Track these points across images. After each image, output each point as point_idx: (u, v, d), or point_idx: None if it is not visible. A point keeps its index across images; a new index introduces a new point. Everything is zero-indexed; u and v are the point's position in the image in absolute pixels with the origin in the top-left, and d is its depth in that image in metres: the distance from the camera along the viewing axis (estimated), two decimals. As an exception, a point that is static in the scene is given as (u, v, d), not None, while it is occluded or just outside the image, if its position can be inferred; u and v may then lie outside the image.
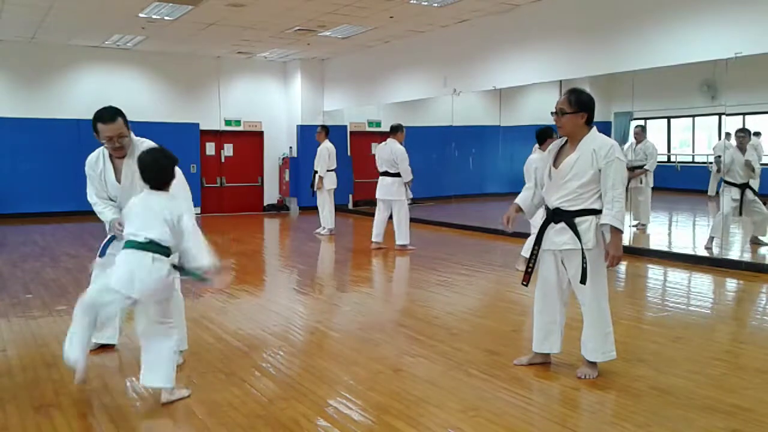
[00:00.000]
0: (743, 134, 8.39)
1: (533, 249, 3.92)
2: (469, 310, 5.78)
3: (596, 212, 3.71)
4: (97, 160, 4.06)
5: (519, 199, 4.12)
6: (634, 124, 14.13)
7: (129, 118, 4.01)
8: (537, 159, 7.15)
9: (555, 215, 3.82)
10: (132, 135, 4.00)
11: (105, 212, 4.08)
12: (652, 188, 10.46)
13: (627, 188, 10.06)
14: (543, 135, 7.11)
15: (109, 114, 3.86)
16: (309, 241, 10.45)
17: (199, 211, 14.38)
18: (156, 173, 3.43)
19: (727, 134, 9.59)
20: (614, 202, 3.63)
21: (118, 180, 4.00)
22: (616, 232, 3.65)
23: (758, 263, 7.42)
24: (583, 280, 3.71)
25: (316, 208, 11.12)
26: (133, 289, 3.29)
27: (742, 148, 8.28)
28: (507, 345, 4.63)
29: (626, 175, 3.72)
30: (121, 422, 3.29)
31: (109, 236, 4.07)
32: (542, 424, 3.23)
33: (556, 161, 3.87)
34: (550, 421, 3.26)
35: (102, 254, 3.98)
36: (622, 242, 3.72)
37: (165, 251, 3.34)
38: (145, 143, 3.96)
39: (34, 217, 12.74)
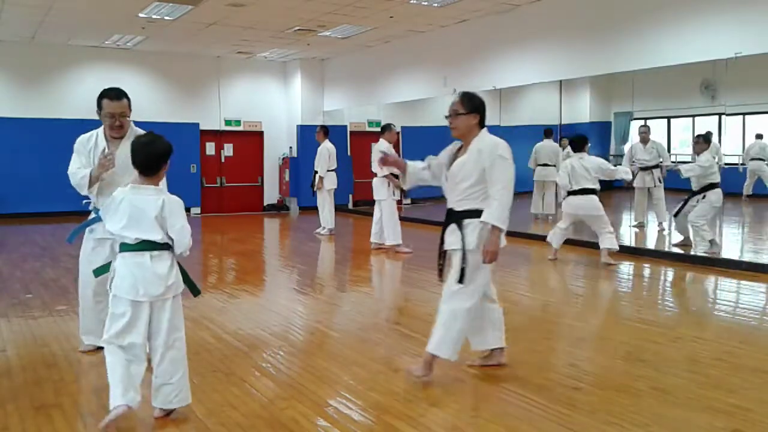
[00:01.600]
0: (698, 139, 8.22)
1: (440, 247, 3.94)
2: (469, 310, 5.77)
3: (479, 213, 3.74)
4: (90, 139, 4.13)
5: (411, 163, 4.12)
6: (634, 124, 14.15)
7: (129, 118, 4.07)
8: (575, 161, 7.48)
9: (448, 216, 3.88)
10: (132, 122, 4.08)
11: (84, 170, 4.07)
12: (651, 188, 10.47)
13: (648, 188, 10.12)
14: (581, 142, 7.76)
15: (115, 92, 4.00)
16: (309, 241, 10.45)
17: (199, 211, 14.39)
18: (148, 157, 3.21)
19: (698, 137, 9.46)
20: (494, 200, 3.66)
21: (452, 165, 3.95)
22: (495, 229, 3.65)
23: (758, 263, 7.41)
24: (460, 280, 3.74)
25: (316, 208, 11.12)
26: (138, 293, 3.12)
27: (697, 152, 8.13)
28: (507, 345, 4.63)
29: (512, 175, 3.74)
30: (122, 422, 3.28)
31: (89, 218, 4.11)
32: (542, 424, 3.23)
33: (451, 164, 3.90)
34: (550, 421, 3.26)
35: (70, 240, 3.98)
36: (501, 240, 3.69)
37: (162, 246, 3.18)
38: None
39: (34, 217, 12.75)
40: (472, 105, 3.83)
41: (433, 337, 3.80)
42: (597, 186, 7.60)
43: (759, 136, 12.49)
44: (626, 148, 14.20)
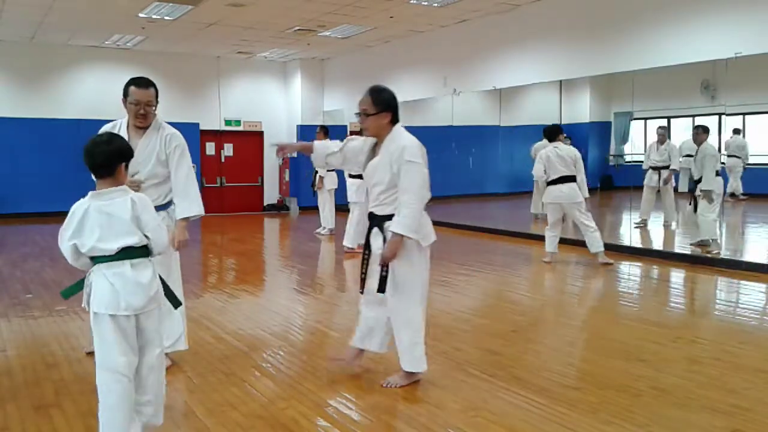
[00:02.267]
0: (697, 130, 8.28)
1: (364, 253, 3.76)
2: (469, 310, 5.78)
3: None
4: (113, 128, 4.04)
5: (319, 143, 4.00)
6: (634, 124, 14.15)
7: (155, 109, 4.05)
8: (550, 150, 7.43)
9: (372, 219, 3.74)
10: (158, 114, 4.05)
11: None
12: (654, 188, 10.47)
13: (658, 189, 10.08)
14: (553, 131, 7.74)
15: (144, 81, 3.97)
16: (309, 241, 10.45)
17: (199, 211, 14.42)
18: (100, 156, 2.88)
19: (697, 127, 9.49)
20: (403, 207, 3.48)
21: (366, 165, 3.89)
22: (397, 236, 3.48)
23: (758, 263, 7.41)
24: (380, 289, 3.60)
25: (316, 207, 11.12)
26: (120, 306, 2.81)
27: (699, 142, 8.22)
28: (507, 345, 4.63)
29: (423, 178, 3.53)
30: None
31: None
32: (542, 424, 3.23)
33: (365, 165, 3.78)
34: (550, 421, 3.26)
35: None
36: (400, 246, 3.51)
37: (141, 252, 2.90)
38: (170, 128, 4.05)
39: (34, 217, 12.75)
40: (382, 103, 3.65)
41: (402, 355, 3.70)
42: (574, 173, 7.57)
43: (737, 131, 12.38)
44: (626, 147, 14.23)
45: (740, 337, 4.94)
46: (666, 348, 4.52)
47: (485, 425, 3.23)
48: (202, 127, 14.60)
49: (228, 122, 15.02)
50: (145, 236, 2.90)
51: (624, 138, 14.23)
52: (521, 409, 3.43)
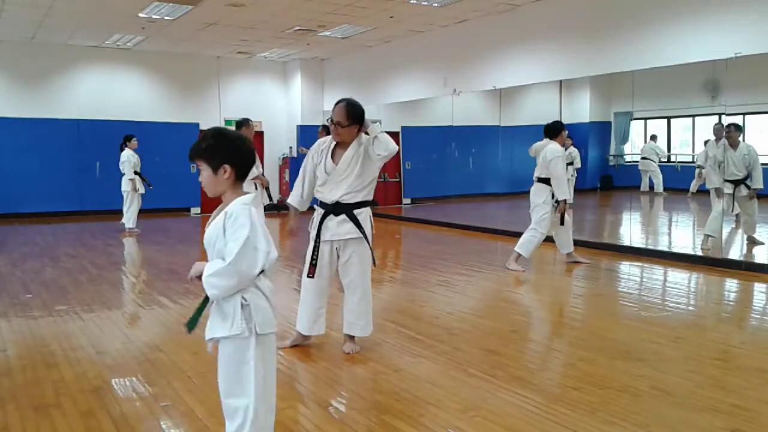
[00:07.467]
0: (729, 129, 8.29)
1: (315, 242, 4.29)
2: (469, 310, 5.78)
3: (368, 203, 4.29)
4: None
5: (293, 201, 4.67)
6: (634, 124, 14.15)
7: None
8: (559, 150, 7.22)
9: (336, 209, 4.24)
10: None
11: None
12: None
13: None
14: (555, 128, 7.36)
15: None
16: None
17: (199, 211, 14.40)
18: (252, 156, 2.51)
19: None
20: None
21: (334, 161, 4.29)
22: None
23: (758, 263, 7.41)
24: (374, 262, 4.36)
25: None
26: (275, 321, 2.49)
27: (733, 144, 8.24)
28: (507, 345, 4.64)
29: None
30: (122, 422, 3.29)
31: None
32: (542, 424, 3.23)
33: (333, 160, 4.28)
34: (550, 421, 3.26)
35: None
36: None
37: None
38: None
39: (34, 217, 12.75)
40: (354, 117, 4.18)
41: (360, 320, 4.37)
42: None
43: (653, 137, 12.18)
44: (626, 147, 14.21)
45: (740, 337, 4.94)
46: (666, 348, 4.53)
47: (485, 425, 3.23)
48: (202, 127, 14.57)
49: (228, 122, 14.97)
50: None
51: (624, 138, 14.22)
52: (521, 409, 3.43)
